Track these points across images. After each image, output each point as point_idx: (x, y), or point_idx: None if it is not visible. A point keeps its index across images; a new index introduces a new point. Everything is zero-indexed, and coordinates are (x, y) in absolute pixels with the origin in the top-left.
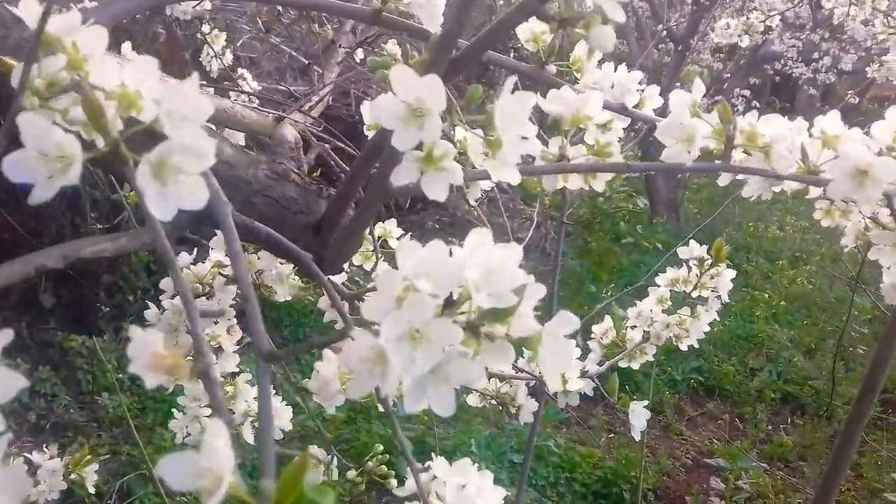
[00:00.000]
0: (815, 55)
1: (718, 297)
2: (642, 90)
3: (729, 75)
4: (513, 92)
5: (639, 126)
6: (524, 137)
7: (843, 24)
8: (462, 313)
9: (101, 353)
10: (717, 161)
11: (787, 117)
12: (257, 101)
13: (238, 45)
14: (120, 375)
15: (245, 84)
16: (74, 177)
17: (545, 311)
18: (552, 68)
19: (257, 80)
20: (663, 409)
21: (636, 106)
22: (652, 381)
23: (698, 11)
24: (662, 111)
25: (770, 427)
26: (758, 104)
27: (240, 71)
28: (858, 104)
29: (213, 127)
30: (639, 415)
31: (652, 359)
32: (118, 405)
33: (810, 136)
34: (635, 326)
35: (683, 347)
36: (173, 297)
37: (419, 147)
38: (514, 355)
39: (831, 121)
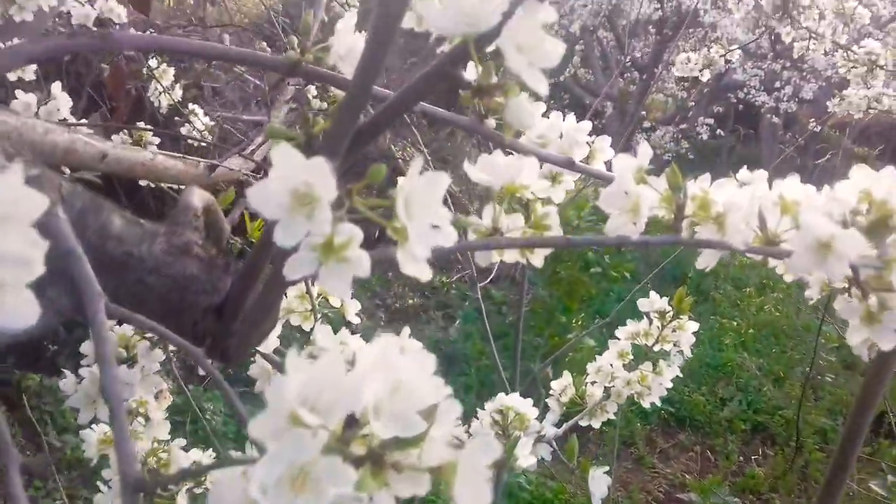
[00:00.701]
0: (777, 84)
1: (680, 351)
2: (592, 142)
3: (693, 104)
4: (422, 173)
5: None
6: (435, 226)
7: (804, 54)
8: (365, 436)
9: (59, 393)
10: (665, 235)
11: (751, 142)
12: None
13: (200, 74)
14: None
15: (196, 120)
16: None
17: (511, 349)
18: (492, 121)
19: (221, 108)
20: (635, 441)
21: (586, 159)
22: (621, 414)
23: (662, 41)
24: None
25: (741, 458)
26: (722, 132)
27: (191, 106)
28: (820, 131)
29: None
30: (599, 482)
31: (613, 416)
32: (76, 447)
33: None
34: (595, 382)
35: (646, 405)
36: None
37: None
38: (429, 485)
39: (790, 185)
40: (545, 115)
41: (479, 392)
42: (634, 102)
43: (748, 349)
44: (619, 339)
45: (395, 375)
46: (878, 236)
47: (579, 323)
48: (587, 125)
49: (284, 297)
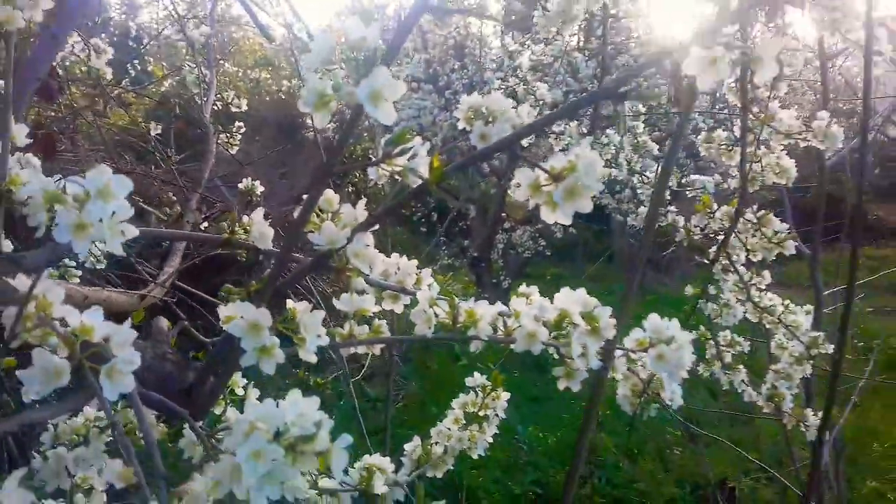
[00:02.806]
0: (618, 188)
1: (497, 414)
2: (419, 272)
3: None
4: (311, 310)
5: None
6: (319, 336)
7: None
8: (286, 440)
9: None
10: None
11: (604, 237)
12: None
13: None
14: None
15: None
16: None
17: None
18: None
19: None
20: None
21: (415, 284)
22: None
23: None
24: None
25: None
26: (574, 230)
27: None
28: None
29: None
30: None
31: (451, 467)
32: None
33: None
34: (437, 443)
35: (474, 455)
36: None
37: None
38: (318, 465)
39: (519, 301)
40: (414, 221)
41: None
42: (495, 205)
43: (606, 429)
44: (454, 408)
45: (299, 409)
46: (560, 328)
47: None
48: (414, 262)
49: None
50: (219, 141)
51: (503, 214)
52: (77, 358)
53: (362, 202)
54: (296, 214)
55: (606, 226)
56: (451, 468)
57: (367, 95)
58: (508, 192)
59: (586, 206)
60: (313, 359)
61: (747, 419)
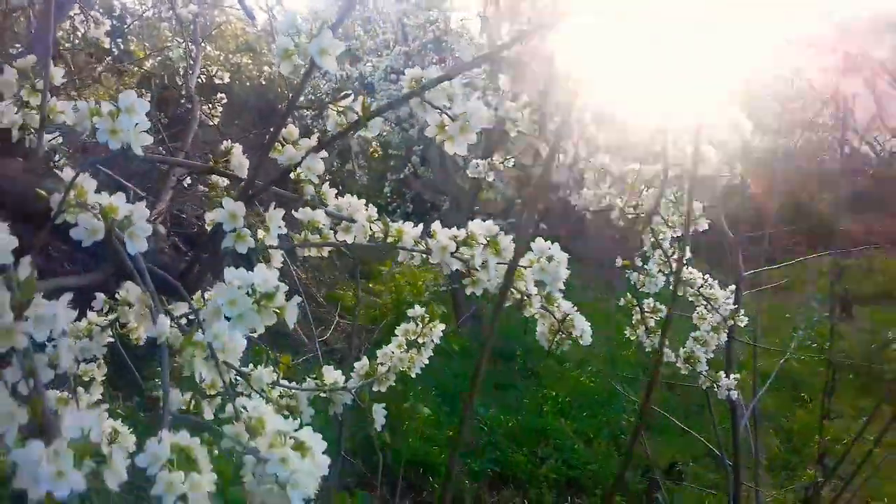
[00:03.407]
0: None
1: (432, 341)
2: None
3: (520, 200)
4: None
5: None
6: (280, 227)
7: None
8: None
9: None
10: None
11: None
12: None
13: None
14: None
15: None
16: None
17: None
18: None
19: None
20: (464, 498)
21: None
22: (453, 476)
23: (352, 127)
24: None
25: None
26: (545, 226)
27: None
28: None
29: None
30: (378, 415)
31: (393, 383)
32: None
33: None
34: (382, 363)
35: (412, 374)
36: None
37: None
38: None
39: (436, 226)
40: (390, 210)
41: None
42: (468, 198)
43: (565, 415)
44: (398, 335)
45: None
46: (469, 245)
47: (411, 395)
48: (361, 202)
49: None
50: (202, 110)
51: (476, 208)
52: (107, 228)
53: (315, 135)
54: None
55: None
56: (417, 448)
57: (316, 50)
58: (483, 186)
59: (472, 139)
60: (275, 242)
61: (698, 410)
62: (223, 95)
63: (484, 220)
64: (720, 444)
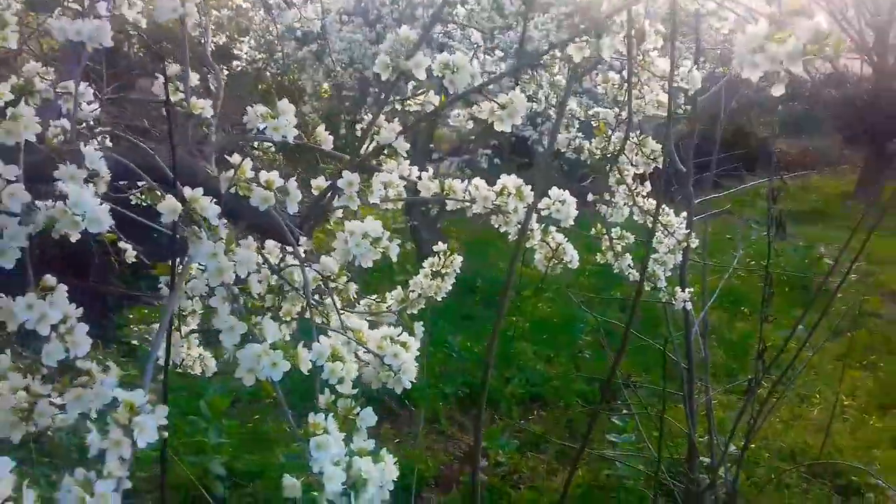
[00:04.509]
0: (540, 120)
1: (455, 271)
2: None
3: (474, 137)
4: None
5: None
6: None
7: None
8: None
9: None
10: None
11: (526, 170)
12: None
13: None
14: None
15: None
16: None
17: None
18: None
19: None
20: (438, 418)
21: None
22: (428, 397)
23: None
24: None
25: (522, 421)
26: (499, 161)
27: None
28: (585, 160)
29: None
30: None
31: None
32: None
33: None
34: (413, 290)
35: (438, 299)
36: None
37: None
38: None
39: (476, 181)
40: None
41: None
42: (424, 136)
43: (527, 339)
44: (424, 267)
45: None
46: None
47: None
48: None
49: None
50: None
51: (431, 146)
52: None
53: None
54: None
55: (529, 158)
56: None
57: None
58: (438, 125)
59: (518, 121)
60: (378, 201)
61: (652, 328)
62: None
63: (441, 158)
64: (675, 352)
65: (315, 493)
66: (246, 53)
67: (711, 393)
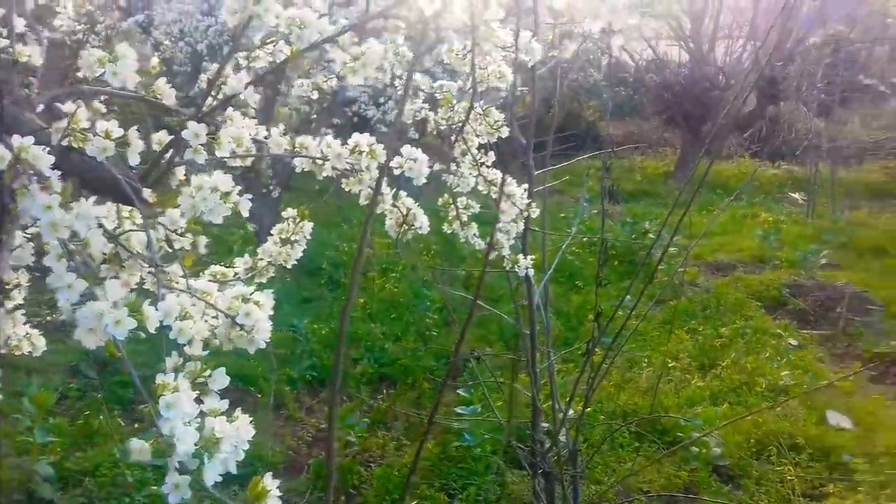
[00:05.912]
0: (382, 99)
1: (305, 237)
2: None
3: (315, 116)
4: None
5: None
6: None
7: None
8: None
9: None
10: None
11: None
12: None
13: None
14: None
15: None
16: None
17: None
18: None
19: None
20: (285, 403)
21: None
22: (273, 383)
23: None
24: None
25: (372, 401)
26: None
27: None
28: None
29: None
30: None
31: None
32: None
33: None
34: (262, 258)
35: (288, 266)
36: None
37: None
38: None
39: (328, 139)
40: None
41: None
42: (263, 114)
43: (374, 319)
44: (273, 234)
45: None
46: (355, 153)
47: None
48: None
49: None
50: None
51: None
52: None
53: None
54: None
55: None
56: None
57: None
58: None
59: (371, 73)
60: (227, 154)
61: (492, 305)
62: None
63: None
64: (518, 322)
65: (167, 458)
66: (64, 24)
67: (553, 358)
